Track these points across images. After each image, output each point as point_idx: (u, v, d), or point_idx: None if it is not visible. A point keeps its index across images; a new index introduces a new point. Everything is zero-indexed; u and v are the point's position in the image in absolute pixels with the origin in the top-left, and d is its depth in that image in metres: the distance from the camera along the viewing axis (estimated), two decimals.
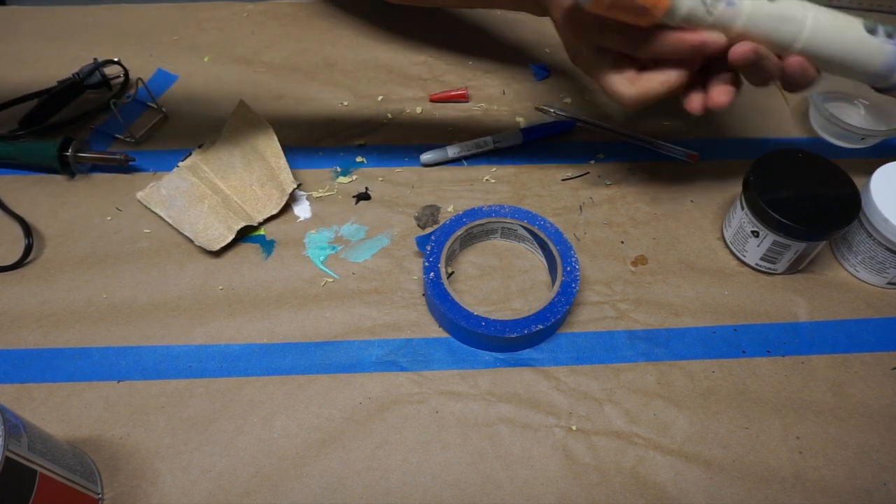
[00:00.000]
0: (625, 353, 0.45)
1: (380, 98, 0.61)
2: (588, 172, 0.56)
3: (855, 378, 0.45)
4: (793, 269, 0.49)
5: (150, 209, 0.50)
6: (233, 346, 0.45)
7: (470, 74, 0.63)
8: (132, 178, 0.54)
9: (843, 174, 0.47)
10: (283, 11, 0.68)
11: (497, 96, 0.61)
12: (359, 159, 0.56)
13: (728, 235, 0.50)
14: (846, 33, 0.40)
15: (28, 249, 0.48)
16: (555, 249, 0.47)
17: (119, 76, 0.60)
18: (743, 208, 0.47)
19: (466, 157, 0.56)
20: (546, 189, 0.54)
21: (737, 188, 0.55)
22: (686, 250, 0.51)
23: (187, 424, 0.41)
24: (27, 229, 0.49)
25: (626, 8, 0.38)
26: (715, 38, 0.39)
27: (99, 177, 0.54)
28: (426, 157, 0.55)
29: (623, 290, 0.48)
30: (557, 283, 0.45)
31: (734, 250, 0.50)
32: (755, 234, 0.47)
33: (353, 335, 0.46)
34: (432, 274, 0.45)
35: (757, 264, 0.49)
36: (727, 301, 0.48)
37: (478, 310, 0.44)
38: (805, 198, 0.46)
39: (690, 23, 0.39)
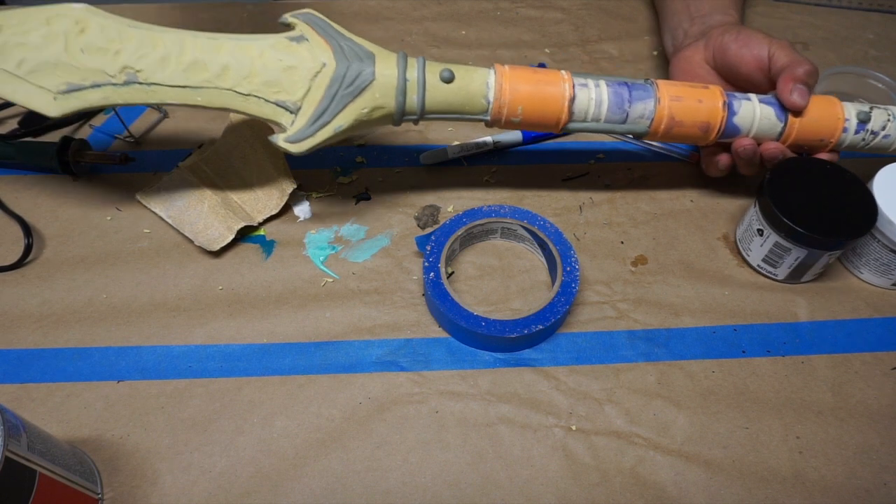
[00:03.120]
0: (625, 353, 0.45)
1: None
2: (588, 172, 0.56)
3: (855, 378, 0.45)
4: (794, 278, 0.49)
5: (149, 209, 0.50)
6: (233, 347, 0.45)
7: None
8: (132, 178, 0.54)
9: (865, 191, 0.46)
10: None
11: None
12: (359, 159, 0.56)
13: (739, 232, 0.50)
14: None
15: (28, 249, 0.48)
16: (554, 249, 0.47)
17: None
18: (755, 205, 0.48)
19: (466, 157, 0.56)
20: (546, 189, 0.54)
21: (737, 188, 0.55)
22: (686, 250, 0.51)
23: (187, 425, 0.41)
24: (27, 229, 0.49)
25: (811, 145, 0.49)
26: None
27: (99, 177, 0.54)
28: (426, 157, 0.55)
29: (623, 290, 0.48)
30: (557, 283, 0.45)
31: (741, 248, 0.50)
32: (760, 231, 0.47)
33: (353, 335, 0.46)
34: (432, 274, 0.45)
35: (759, 265, 0.49)
36: (727, 301, 0.48)
37: (478, 310, 0.44)
38: (818, 206, 0.45)
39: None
